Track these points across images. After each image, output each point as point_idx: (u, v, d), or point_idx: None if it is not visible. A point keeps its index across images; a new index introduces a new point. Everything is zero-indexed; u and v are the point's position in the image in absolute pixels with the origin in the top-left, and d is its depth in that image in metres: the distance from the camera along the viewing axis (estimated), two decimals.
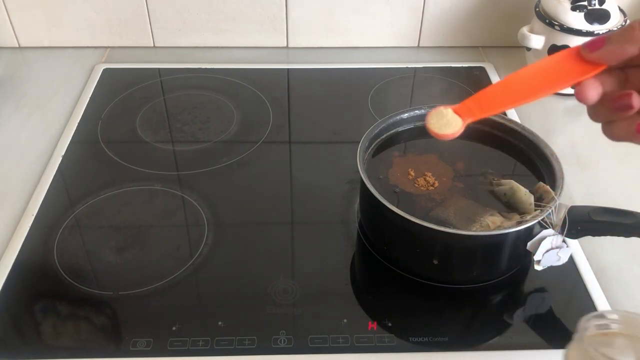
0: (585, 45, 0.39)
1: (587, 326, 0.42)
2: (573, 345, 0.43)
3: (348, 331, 0.57)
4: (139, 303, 0.60)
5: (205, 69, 0.96)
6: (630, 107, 0.38)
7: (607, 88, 0.40)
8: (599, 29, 0.84)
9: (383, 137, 0.68)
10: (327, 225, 0.70)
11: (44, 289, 0.62)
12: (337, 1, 0.97)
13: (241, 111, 0.87)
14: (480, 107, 0.44)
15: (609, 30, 0.85)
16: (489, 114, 0.44)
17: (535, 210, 0.58)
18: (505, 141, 0.68)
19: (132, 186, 0.74)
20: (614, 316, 0.42)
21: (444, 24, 1.00)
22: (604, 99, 0.40)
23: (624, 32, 0.38)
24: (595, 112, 0.41)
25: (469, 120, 0.44)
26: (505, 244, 0.59)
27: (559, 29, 0.86)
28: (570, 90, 0.89)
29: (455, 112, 0.45)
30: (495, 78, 0.94)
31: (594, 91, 0.39)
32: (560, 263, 0.59)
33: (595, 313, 0.43)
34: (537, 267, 0.59)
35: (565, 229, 0.57)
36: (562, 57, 0.41)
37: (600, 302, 0.60)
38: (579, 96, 0.40)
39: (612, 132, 0.40)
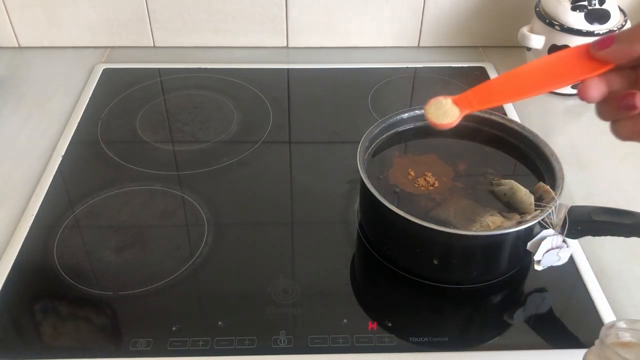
0: (595, 43, 0.40)
1: (609, 333, 0.42)
2: (593, 350, 0.43)
3: (348, 331, 0.57)
4: (139, 303, 0.60)
5: (205, 69, 0.96)
6: (634, 107, 0.38)
7: (615, 87, 0.40)
8: (599, 29, 0.84)
9: (383, 137, 0.68)
10: (327, 225, 0.70)
11: (44, 289, 0.62)
12: (337, 1, 0.97)
13: (241, 111, 0.87)
14: (480, 99, 0.44)
15: (610, 30, 0.85)
16: (488, 106, 0.45)
17: (536, 210, 0.58)
18: (505, 141, 0.68)
19: (132, 186, 0.74)
20: (638, 326, 0.42)
21: (444, 24, 1.00)
22: (611, 97, 0.40)
23: (633, 31, 0.38)
24: (602, 110, 0.41)
25: (467, 112, 0.45)
26: (505, 244, 0.59)
27: (559, 29, 0.86)
28: (571, 90, 0.88)
29: (454, 102, 0.45)
30: None
31: (597, 90, 0.40)
32: (560, 263, 0.59)
33: (618, 321, 0.42)
34: (537, 267, 0.58)
35: (566, 229, 0.57)
36: (568, 54, 0.41)
37: (600, 302, 0.60)
38: (581, 94, 0.40)
39: (618, 131, 0.40)
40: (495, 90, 0.44)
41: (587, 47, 0.40)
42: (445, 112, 0.45)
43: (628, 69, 0.41)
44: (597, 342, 0.42)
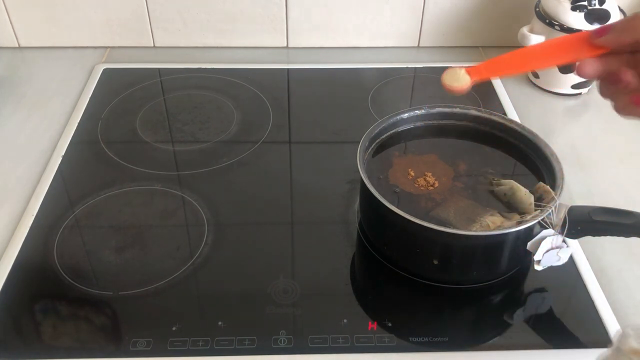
0: (593, 32, 0.47)
1: (624, 340, 0.42)
2: (608, 356, 0.42)
3: (348, 331, 0.57)
4: (139, 303, 0.60)
5: (205, 69, 0.96)
6: (620, 80, 0.45)
7: (613, 67, 0.46)
8: None
9: (383, 137, 0.68)
10: (327, 225, 0.70)
11: (44, 289, 0.62)
12: (337, 1, 0.97)
13: (241, 111, 0.87)
14: (489, 69, 0.51)
15: None
16: (496, 75, 0.55)
17: (535, 210, 0.58)
18: (505, 141, 0.68)
19: (132, 186, 0.74)
20: None
21: (444, 24, 1.00)
22: (608, 76, 0.47)
23: (625, 22, 0.45)
24: (602, 88, 0.48)
25: (477, 79, 0.51)
26: (505, 244, 0.59)
27: (559, 29, 0.86)
28: (571, 90, 0.89)
29: (467, 72, 0.51)
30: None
31: (592, 68, 0.46)
32: (560, 263, 0.59)
33: (632, 327, 0.42)
34: (537, 267, 0.59)
35: (565, 229, 0.57)
36: (572, 37, 0.48)
37: (600, 302, 0.60)
38: (578, 70, 0.47)
39: (616, 105, 0.47)
40: (504, 63, 0.51)
41: (588, 33, 0.47)
42: (458, 79, 0.51)
43: (627, 53, 0.46)
44: (611, 347, 0.42)
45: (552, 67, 0.47)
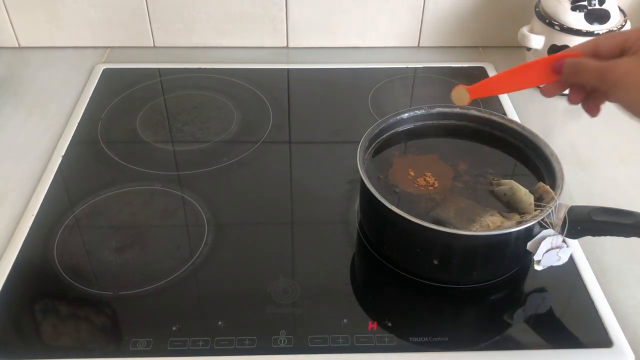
0: (552, 69, 0.55)
1: None
2: None
3: (348, 331, 0.57)
4: (139, 303, 0.60)
5: (205, 69, 0.96)
6: (572, 100, 0.56)
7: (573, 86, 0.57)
8: (599, 29, 0.85)
9: (383, 137, 0.68)
10: (327, 225, 0.70)
11: (44, 289, 0.62)
12: (337, 1, 0.97)
13: (241, 111, 0.87)
14: (485, 89, 0.61)
15: (609, 30, 0.85)
16: (486, 95, 0.64)
17: (535, 210, 0.58)
18: (505, 141, 0.68)
19: (132, 186, 0.74)
20: None
21: (444, 24, 1.00)
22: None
23: (574, 67, 0.53)
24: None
25: (474, 96, 0.60)
26: (505, 244, 0.59)
27: (559, 29, 0.86)
28: None
29: (468, 90, 0.60)
30: None
31: (552, 91, 0.56)
32: (560, 263, 0.59)
33: None
34: (537, 267, 0.59)
35: (565, 229, 0.57)
36: (541, 64, 0.56)
37: (600, 302, 0.60)
38: (542, 92, 0.57)
39: (584, 108, 0.57)
40: (495, 84, 0.62)
41: (550, 62, 0.55)
42: (461, 96, 0.60)
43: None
44: None
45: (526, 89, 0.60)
